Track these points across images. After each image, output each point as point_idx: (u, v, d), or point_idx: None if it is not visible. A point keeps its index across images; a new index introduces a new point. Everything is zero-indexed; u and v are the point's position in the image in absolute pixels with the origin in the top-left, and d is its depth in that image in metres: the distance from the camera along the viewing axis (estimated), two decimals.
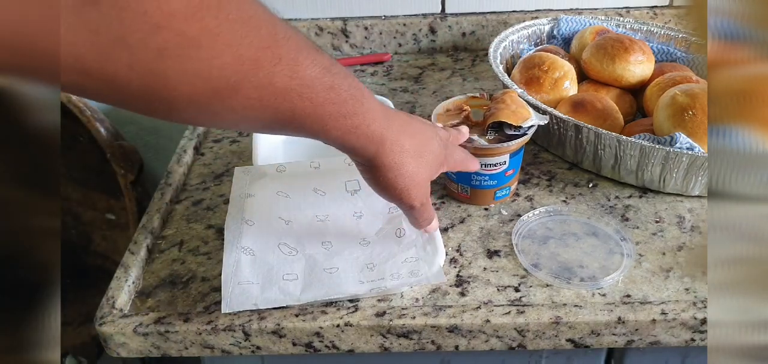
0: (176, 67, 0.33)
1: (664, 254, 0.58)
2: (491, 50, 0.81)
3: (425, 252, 0.55)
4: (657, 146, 0.62)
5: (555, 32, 0.91)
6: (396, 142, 0.48)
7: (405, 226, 0.58)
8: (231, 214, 0.59)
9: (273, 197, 0.61)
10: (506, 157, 0.62)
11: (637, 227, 0.62)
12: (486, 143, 0.61)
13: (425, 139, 0.51)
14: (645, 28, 0.89)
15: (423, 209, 0.53)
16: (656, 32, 0.88)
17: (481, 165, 0.62)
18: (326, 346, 0.53)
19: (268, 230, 0.58)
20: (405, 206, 0.52)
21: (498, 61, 0.80)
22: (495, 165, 0.62)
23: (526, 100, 0.68)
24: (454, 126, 0.62)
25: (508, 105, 0.63)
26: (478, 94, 0.68)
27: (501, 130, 0.62)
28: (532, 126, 0.62)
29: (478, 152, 0.61)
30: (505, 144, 0.61)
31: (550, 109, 0.68)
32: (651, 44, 0.85)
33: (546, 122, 0.64)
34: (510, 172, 0.64)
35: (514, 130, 0.62)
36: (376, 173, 0.49)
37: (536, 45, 0.91)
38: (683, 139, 0.62)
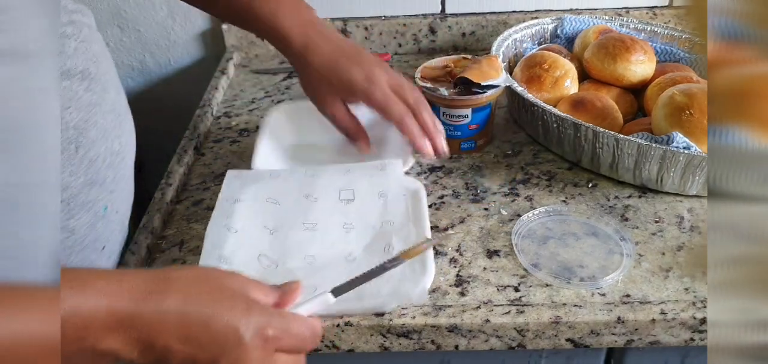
0: None
1: (663, 253, 0.58)
2: (494, 48, 0.81)
3: (412, 271, 0.54)
4: (654, 145, 0.62)
5: (559, 31, 0.91)
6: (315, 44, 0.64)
7: (394, 242, 0.56)
8: (214, 219, 0.58)
9: (262, 204, 0.60)
10: (468, 112, 0.70)
11: (637, 227, 0.62)
12: (446, 94, 0.69)
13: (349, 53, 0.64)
14: (648, 28, 0.89)
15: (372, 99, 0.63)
16: (659, 32, 0.88)
17: (446, 115, 0.71)
18: (326, 346, 0.53)
19: (250, 240, 0.56)
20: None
21: (501, 59, 0.80)
22: (458, 117, 0.71)
23: (525, 98, 0.68)
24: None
25: (481, 66, 0.70)
26: (469, 57, 0.76)
27: (469, 89, 0.69)
28: (492, 87, 0.69)
29: (438, 101, 0.70)
30: (463, 98, 0.69)
31: (549, 108, 0.69)
32: (654, 44, 0.85)
33: (507, 84, 0.71)
34: (474, 126, 0.72)
35: (479, 90, 0.69)
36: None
37: (540, 44, 0.90)
38: (680, 138, 0.62)
